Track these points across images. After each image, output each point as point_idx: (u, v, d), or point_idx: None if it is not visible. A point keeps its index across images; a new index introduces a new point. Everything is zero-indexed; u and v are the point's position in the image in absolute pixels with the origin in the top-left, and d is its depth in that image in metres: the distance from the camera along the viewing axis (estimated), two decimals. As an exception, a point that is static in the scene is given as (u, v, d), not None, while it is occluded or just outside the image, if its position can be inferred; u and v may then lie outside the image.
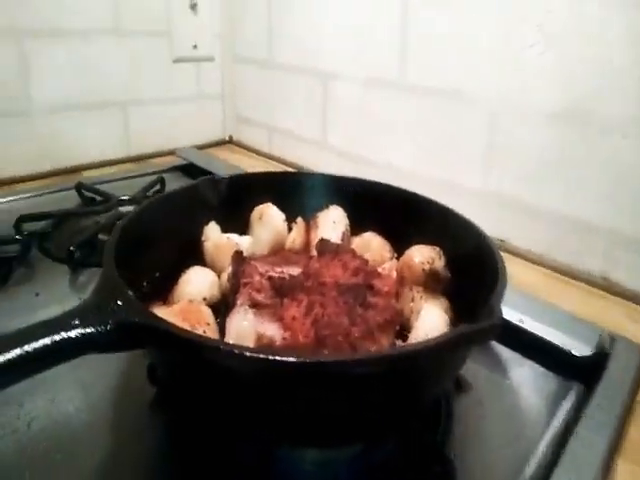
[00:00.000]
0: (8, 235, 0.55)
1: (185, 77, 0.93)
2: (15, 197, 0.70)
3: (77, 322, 0.26)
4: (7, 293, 0.50)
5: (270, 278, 0.39)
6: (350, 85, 0.77)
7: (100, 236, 0.59)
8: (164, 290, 0.41)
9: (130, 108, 0.87)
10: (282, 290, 0.38)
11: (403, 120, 0.71)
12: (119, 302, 0.28)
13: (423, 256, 0.41)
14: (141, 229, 0.39)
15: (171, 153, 0.92)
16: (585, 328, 0.46)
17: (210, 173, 0.79)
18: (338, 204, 0.51)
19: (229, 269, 0.43)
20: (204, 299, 0.39)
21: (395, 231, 0.49)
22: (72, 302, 0.44)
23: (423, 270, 0.40)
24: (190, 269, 0.41)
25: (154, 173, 0.82)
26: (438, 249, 0.42)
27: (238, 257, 0.41)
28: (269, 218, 0.48)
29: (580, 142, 0.55)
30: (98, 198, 0.70)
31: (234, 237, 0.47)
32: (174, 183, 0.79)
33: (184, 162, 0.86)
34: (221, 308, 0.41)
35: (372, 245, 0.49)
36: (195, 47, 0.92)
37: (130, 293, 0.29)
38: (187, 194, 0.46)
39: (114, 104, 0.84)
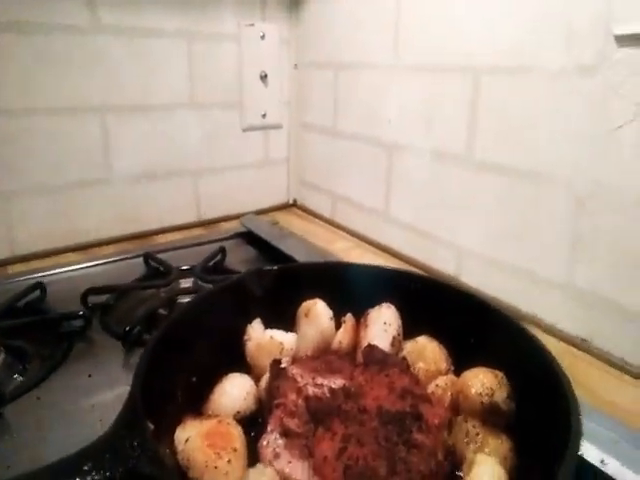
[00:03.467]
0: (74, 310, 0.58)
1: (253, 144, 0.96)
2: (88, 264, 0.74)
3: (88, 467, 0.25)
4: (63, 372, 0.51)
5: (307, 398, 0.36)
6: (416, 157, 0.74)
7: (160, 311, 0.61)
8: (200, 398, 0.39)
9: (201, 176, 0.91)
10: (317, 415, 0.34)
11: (472, 198, 0.66)
12: (135, 443, 0.26)
13: (482, 386, 0.35)
14: (182, 332, 0.38)
15: (238, 217, 0.94)
16: None
17: (268, 243, 0.79)
18: (392, 300, 0.47)
19: (267, 376, 0.41)
20: (237, 412, 0.37)
21: (454, 337, 0.44)
22: (122, 387, 0.44)
23: (482, 403, 0.35)
24: (227, 377, 0.39)
25: (218, 241, 0.84)
26: (501, 375, 0.36)
27: (276, 367, 0.39)
28: (315, 316, 0.45)
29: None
30: (161, 269, 0.72)
31: (278, 335, 0.45)
32: (235, 252, 0.80)
33: (245, 229, 0.87)
34: (258, 417, 0.39)
35: (426, 352, 0.44)
36: (264, 116, 0.95)
37: (150, 426, 0.28)
38: (232, 289, 0.45)
39: (186, 172, 0.89)
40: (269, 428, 0.33)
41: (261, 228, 0.86)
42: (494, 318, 0.41)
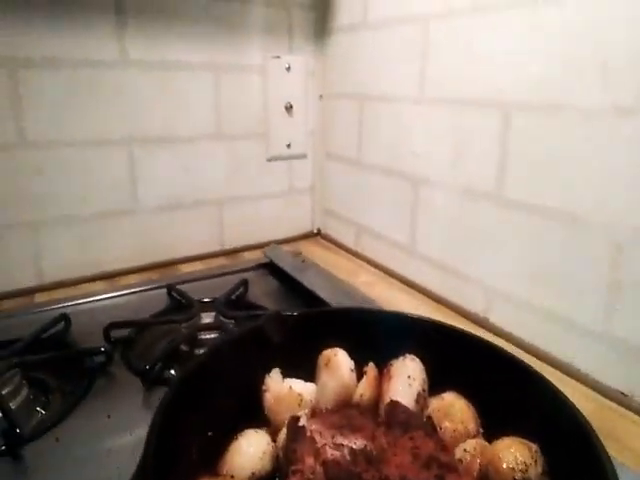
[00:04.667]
0: (96, 346, 0.58)
1: (277, 173, 0.96)
2: (111, 294, 0.75)
3: None
4: (83, 409, 0.51)
5: (324, 464, 0.34)
6: (442, 192, 0.72)
7: (182, 347, 0.60)
8: (216, 453, 0.38)
9: (225, 206, 0.91)
10: (336, 483, 0.32)
11: (502, 236, 0.64)
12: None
13: (516, 460, 0.33)
14: (197, 386, 0.37)
15: (261, 246, 0.94)
16: None
17: (289, 276, 0.78)
18: (417, 351, 0.45)
19: (284, 432, 0.39)
20: (253, 474, 0.36)
21: (484, 397, 0.41)
22: (141, 430, 0.43)
23: (514, 479, 0.32)
24: (243, 435, 0.38)
25: (240, 271, 0.84)
26: (536, 448, 0.34)
27: (294, 426, 0.37)
28: (336, 367, 0.43)
29: None
30: (183, 301, 0.72)
31: (298, 385, 0.43)
32: (257, 284, 0.79)
33: (268, 260, 0.86)
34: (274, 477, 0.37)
35: (454, 411, 0.41)
36: (289, 146, 0.95)
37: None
38: (249, 337, 0.44)
39: (211, 202, 0.89)
40: (285, 498, 0.31)
41: (283, 259, 0.85)
42: (532, 381, 0.38)
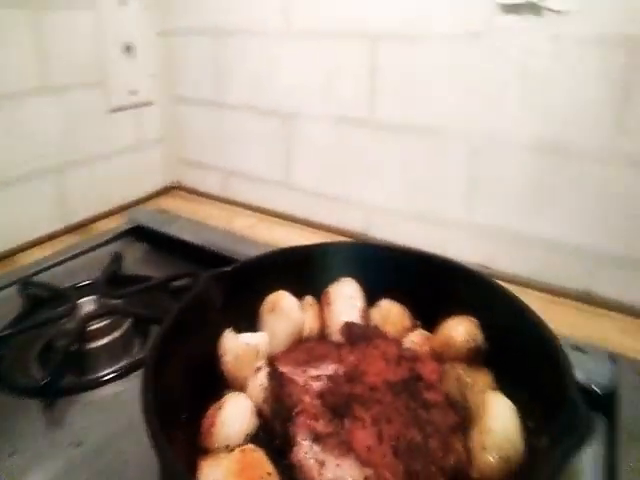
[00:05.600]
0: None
1: (123, 126, 0.83)
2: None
3: None
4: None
5: (321, 396, 0.35)
6: (315, 124, 0.73)
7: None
8: (196, 433, 0.35)
9: (66, 172, 0.75)
10: (337, 409, 0.34)
11: (377, 157, 0.70)
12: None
13: (466, 333, 0.39)
14: (157, 385, 0.33)
15: (114, 212, 0.82)
16: (591, 356, 0.46)
17: (165, 235, 0.71)
18: (348, 274, 0.48)
19: (258, 380, 0.38)
20: (247, 435, 0.35)
21: (411, 296, 0.47)
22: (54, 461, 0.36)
23: (468, 349, 0.39)
24: (222, 403, 0.36)
25: (103, 244, 0.73)
26: (476, 321, 0.41)
27: (275, 374, 0.37)
28: (283, 308, 0.44)
29: (559, 171, 0.57)
30: (46, 294, 0.60)
31: (252, 338, 0.42)
32: (128, 255, 0.70)
33: (134, 225, 0.77)
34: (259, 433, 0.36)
35: (392, 315, 0.46)
36: (133, 93, 0.82)
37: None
38: (192, 307, 0.40)
39: (47, 170, 0.73)
40: (299, 439, 0.32)
41: (152, 220, 0.77)
42: (447, 271, 0.45)
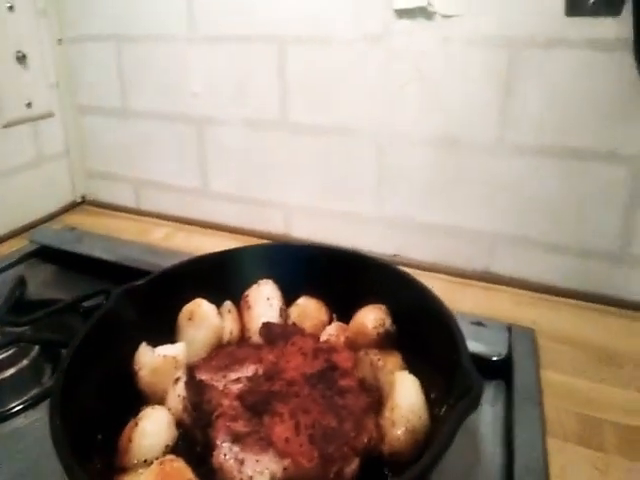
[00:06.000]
0: None
1: (19, 141, 0.77)
2: None
3: None
4: None
5: (240, 397, 0.36)
6: (228, 128, 0.73)
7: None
8: (113, 453, 0.34)
9: None
10: (256, 407, 0.35)
11: (293, 159, 0.71)
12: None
13: (375, 320, 0.42)
14: (66, 411, 0.32)
15: (15, 234, 0.76)
16: (491, 329, 0.51)
17: (73, 253, 0.68)
18: (264, 276, 0.49)
19: (177, 391, 0.38)
20: (167, 446, 0.35)
21: (327, 290, 0.49)
22: None
23: (378, 334, 0.42)
24: (140, 418, 0.35)
25: (5, 269, 0.68)
26: (384, 307, 0.44)
27: (194, 382, 0.37)
28: (201, 316, 0.44)
29: (456, 163, 0.62)
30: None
31: (168, 350, 0.41)
32: (32, 278, 0.66)
33: (38, 246, 0.72)
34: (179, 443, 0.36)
35: (309, 311, 0.48)
36: (29, 105, 0.76)
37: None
38: (104, 324, 0.39)
39: None
40: (219, 442, 0.32)
41: (58, 239, 0.72)
42: (356, 263, 0.48)
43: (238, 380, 0.38)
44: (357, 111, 0.65)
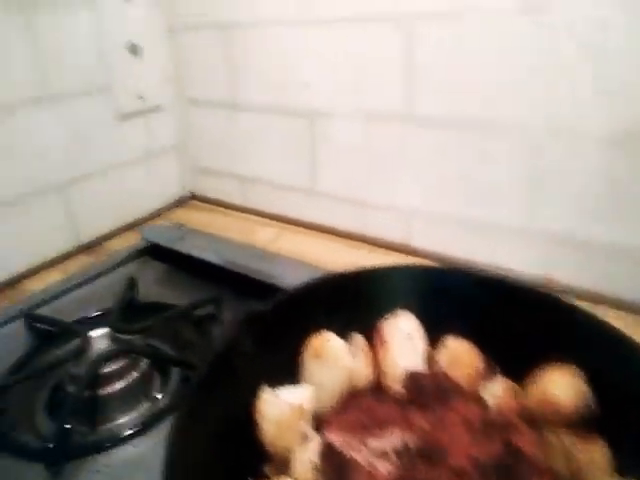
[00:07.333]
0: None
1: (132, 135, 0.76)
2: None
3: None
4: None
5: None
6: (343, 122, 0.65)
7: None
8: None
9: (71, 189, 0.69)
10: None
11: (416, 156, 0.61)
12: None
13: (574, 390, 0.30)
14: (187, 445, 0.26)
15: (127, 228, 0.75)
16: None
17: (183, 254, 0.64)
18: (399, 305, 0.40)
19: (307, 455, 0.31)
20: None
21: (479, 331, 0.38)
22: None
23: (578, 412, 0.30)
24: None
25: (117, 267, 0.66)
26: (579, 372, 0.32)
27: (331, 453, 0.29)
28: (331, 355, 0.36)
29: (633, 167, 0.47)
30: (54, 330, 0.53)
31: (293, 395, 0.34)
32: (145, 278, 0.63)
33: (148, 244, 0.70)
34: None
35: (463, 356, 0.38)
36: (141, 98, 0.74)
37: None
38: (222, 365, 0.32)
39: (53, 187, 0.66)
40: None
41: (167, 237, 0.69)
42: (523, 299, 0.37)
43: (384, 454, 0.30)
44: (503, 100, 0.53)
